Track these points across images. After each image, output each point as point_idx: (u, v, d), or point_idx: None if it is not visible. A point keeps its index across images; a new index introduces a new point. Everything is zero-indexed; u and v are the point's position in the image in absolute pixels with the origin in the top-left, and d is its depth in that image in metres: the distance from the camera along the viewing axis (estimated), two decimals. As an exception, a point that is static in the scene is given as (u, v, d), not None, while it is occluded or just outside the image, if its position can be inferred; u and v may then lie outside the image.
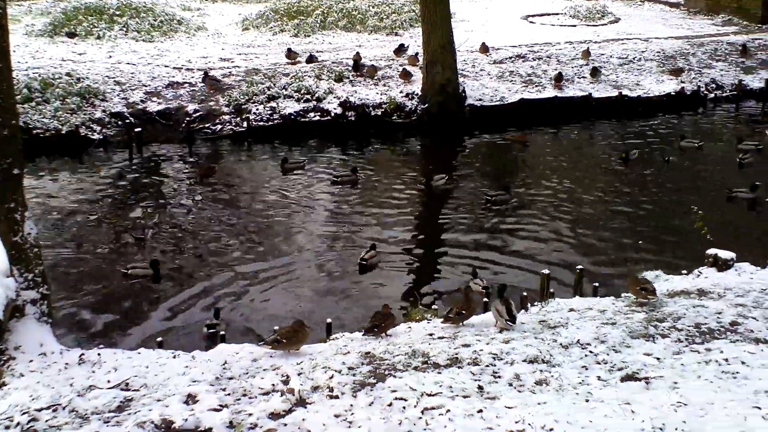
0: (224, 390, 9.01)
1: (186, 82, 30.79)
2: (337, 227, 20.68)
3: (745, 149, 26.30)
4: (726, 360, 9.43)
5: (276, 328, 12.03)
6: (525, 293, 14.32)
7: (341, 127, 29.32)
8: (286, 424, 8.10)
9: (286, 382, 9.11)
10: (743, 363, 9.33)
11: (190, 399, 8.71)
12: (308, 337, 10.83)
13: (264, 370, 9.72)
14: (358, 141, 29.05)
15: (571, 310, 11.94)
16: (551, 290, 14.15)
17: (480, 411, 8.23)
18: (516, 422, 7.94)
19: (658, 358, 9.56)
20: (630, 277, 12.58)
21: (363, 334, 11.25)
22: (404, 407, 8.38)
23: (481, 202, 22.22)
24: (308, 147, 28.28)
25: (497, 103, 31.22)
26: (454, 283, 17.25)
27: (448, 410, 8.24)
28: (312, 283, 17.31)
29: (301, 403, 8.56)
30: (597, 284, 15.19)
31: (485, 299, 14.51)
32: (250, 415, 8.29)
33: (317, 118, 29.46)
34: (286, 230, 20.40)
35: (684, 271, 14.27)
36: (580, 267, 15.33)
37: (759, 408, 8.08)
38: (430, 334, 11.00)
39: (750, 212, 21.63)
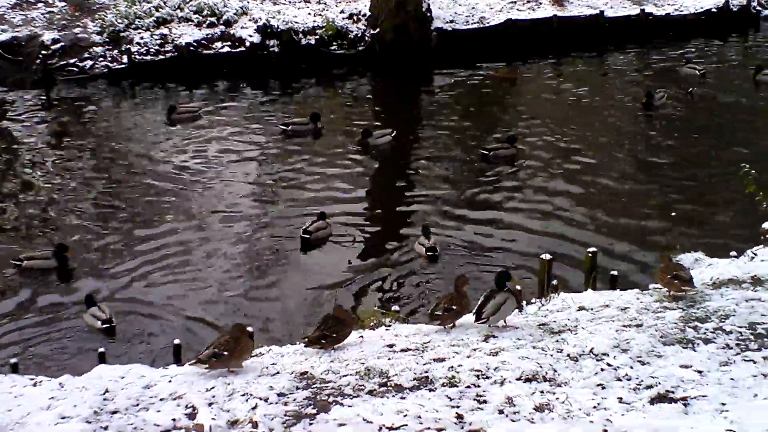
0: (106, 429, 8.92)
1: (40, 1, 30.35)
2: (263, 197, 20.82)
3: None
4: (791, 371, 9.58)
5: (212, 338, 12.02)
6: (518, 286, 14.41)
7: (260, 62, 29.21)
8: (192, 474, 8.07)
9: (192, 416, 9.04)
10: (814, 374, 9.50)
11: (58, 443, 8.63)
12: (253, 348, 10.85)
13: (161, 400, 9.63)
14: (283, 80, 28.94)
15: (582, 308, 11.99)
16: (554, 282, 14.23)
17: (460, 449, 8.27)
18: (509, 463, 8.01)
19: (699, 372, 9.62)
20: (662, 262, 12.67)
21: (306, 346, 11.22)
22: (356, 446, 8.38)
23: (466, 161, 22.44)
24: (213, 89, 28.08)
25: (475, 25, 31.35)
26: (428, 272, 17.39)
27: (417, 449, 8.26)
28: (228, 272, 17.47)
29: (214, 444, 8.52)
30: (615, 272, 15.30)
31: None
32: (143, 462, 8.26)
33: (226, 49, 29.33)
34: (191, 202, 20.40)
35: (733, 253, 14.43)
36: (592, 250, 15.39)
37: (836, 434, 8.24)
38: (390, 346, 10.98)
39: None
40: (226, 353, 10.32)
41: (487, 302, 11.23)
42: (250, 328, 11.45)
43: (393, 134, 23.77)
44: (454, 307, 11.47)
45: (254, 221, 19.67)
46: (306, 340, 11.39)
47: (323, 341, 11.12)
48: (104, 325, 15.51)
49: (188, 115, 25.38)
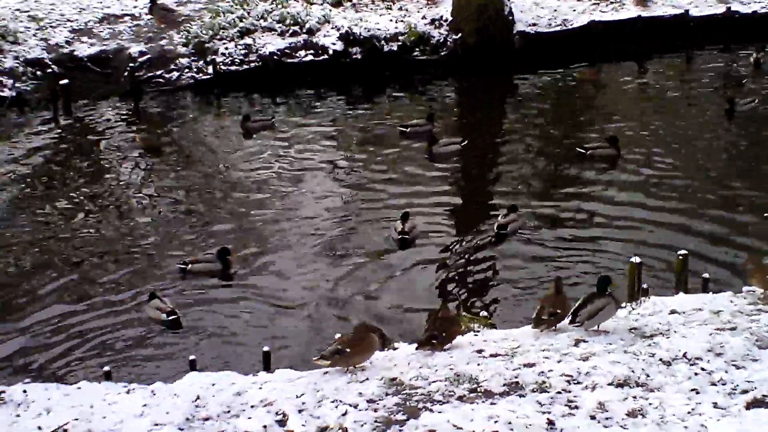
0: (198, 436, 9.06)
1: (126, 14, 30.85)
2: (347, 200, 21.14)
3: None
4: None
5: (337, 335, 12.16)
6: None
7: (343, 69, 29.28)
8: (285, 480, 8.14)
9: (282, 423, 9.12)
10: None
11: (153, 450, 8.76)
12: (377, 346, 10.98)
13: (252, 406, 9.74)
14: (367, 87, 29.01)
15: (673, 312, 11.88)
16: (644, 285, 14.07)
17: (552, 455, 8.22)
18: (603, 469, 7.94)
19: (797, 375, 9.52)
20: (754, 263, 12.48)
21: (417, 348, 11.32)
22: (447, 452, 8.38)
23: (556, 161, 22.48)
24: (297, 97, 28.28)
25: (557, 28, 31.08)
26: (516, 274, 17.44)
27: (508, 455, 8.24)
28: (324, 273, 17.80)
29: (305, 450, 8.58)
30: (707, 275, 15.09)
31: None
32: (236, 469, 8.34)
33: (309, 57, 29.44)
34: (278, 212, 20.57)
35: (827, 255, 14.16)
36: (683, 252, 15.21)
37: None
38: (479, 351, 10.98)
39: None
40: (348, 350, 10.47)
41: (585, 305, 11.20)
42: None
43: (463, 143, 23.68)
44: (559, 312, 11.47)
45: (342, 223, 19.81)
46: (417, 342, 11.52)
47: (434, 341, 11.22)
48: (169, 317, 15.83)
49: (261, 123, 25.59)
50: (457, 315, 13.61)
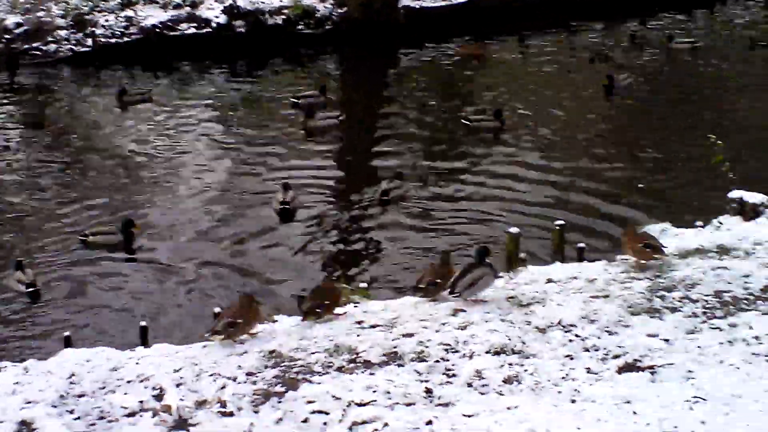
0: (72, 413, 8.84)
1: (1, -16, 30.02)
2: (227, 174, 21.05)
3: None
4: (756, 338, 9.57)
5: (217, 310, 12.22)
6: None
7: (227, 43, 28.99)
8: (160, 455, 8.04)
9: (159, 398, 8.99)
10: (780, 341, 9.57)
11: (25, 428, 8.56)
12: (262, 316, 10.93)
13: (128, 382, 9.57)
14: (251, 61, 28.77)
15: (550, 280, 12.00)
16: (522, 255, 14.26)
17: (429, 423, 8.23)
18: (478, 436, 8.00)
19: (666, 340, 9.68)
20: (628, 233, 12.69)
21: (303, 319, 11.30)
22: (326, 423, 8.34)
23: (440, 133, 22.62)
24: (179, 71, 27.93)
25: (442, 3, 31.25)
26: (398, 245, 17.45)
27: (386, 424, 8.22)
28: (204, 247, 17.66)
29: (182, 425, 8.46)
30: (583, 245, 15.33)
31: None
32: (111, 445, 8.20)
33: (192, 31, 29.13)
34: (157, 186, 20.37)
35: (699, 223, 14.49)
36: (560, 223, 15.48)
37: (802, 400, 8.30)
38: (359, 322, 10.97)
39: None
40: (240, 321, 10.37)
41: (463, 276, 11.23)
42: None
43: (340, 117, 23.69)
44: (439, 281, 11.50)
45: (222, 197, 19.70)
46: (302, 311, 11.49)
47: (318, 311, 11.19)
48: (28, 289, 15.65)
49: (139, 97, 25.27)
50: (339, 286, 13.62)
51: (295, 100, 24.54)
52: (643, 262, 12.11)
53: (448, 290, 11.27)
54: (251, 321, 10.61)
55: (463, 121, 22.86)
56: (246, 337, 10.56)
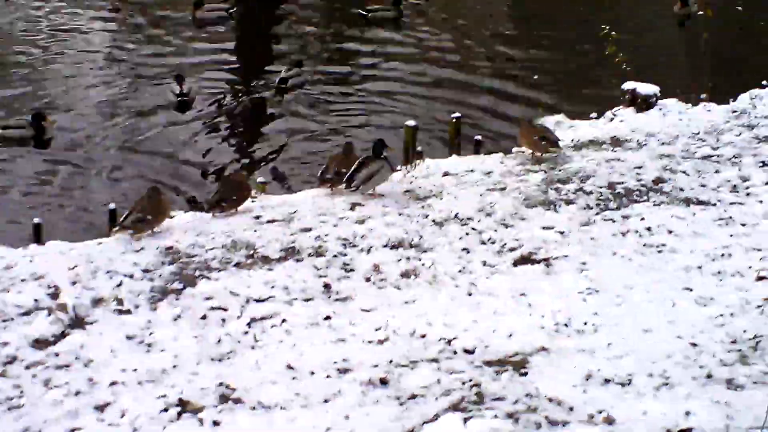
0: (-37, 313, 8.74)
1: None
2: (121, 68, 20.82)
3: None
4: (648, 229, 9.82)
5: (112, 206, 12.37)
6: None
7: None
8: (57, 354, 7.92)
9: (54, 296, 8.88)
10: (670, 232, 9.74)
11: None
12: (169, 208, 10.85)
13: (22, 280, 9.40)
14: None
15: (447, 174, 12.07)
16: (419, 148, 14.28)
17: (327, 318, 8.29)
18: (376, 330, 8.05)
19: (561, 232, 9.85)
20: (523, 126, 12.79)
21: (207, 211, 11.22)
22: (224, 320, 8.36)
23: (347, 21, 22.49)
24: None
25: None
26: (288, 140, 17.40)
27: (284, 320, 8.26)
28: (104, 139, 17.59)
29: (78, 323, 8.38)
30: (479, 137, 15.44)
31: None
32: (5, 344, 8.07)
33: None
34: (54, 77, 20.15)
35: (593, 115, 14.66)
36: (456, 115, 15.49)
37: (690, 289, 8.50)
38: (257, 217, 10.93)
39: (679, 30, 22.40)
40: (150, 217, 10.27)
41: (360, 169, 11.20)
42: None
43: (231, 11, 23.30)
44: (344, 170, 11.45)
45: (119, 88, 19.46)
46: (207, 204, 11.41)
47: (223, 204, 11.11)
48: None
49: None
50: (246, 177, 13.53)
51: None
52: (538, 154, 12.24)
53: (345, 184, 11.25)
54: (162, 214, 10.52)
55: (360, 12, 22.61)
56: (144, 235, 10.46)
